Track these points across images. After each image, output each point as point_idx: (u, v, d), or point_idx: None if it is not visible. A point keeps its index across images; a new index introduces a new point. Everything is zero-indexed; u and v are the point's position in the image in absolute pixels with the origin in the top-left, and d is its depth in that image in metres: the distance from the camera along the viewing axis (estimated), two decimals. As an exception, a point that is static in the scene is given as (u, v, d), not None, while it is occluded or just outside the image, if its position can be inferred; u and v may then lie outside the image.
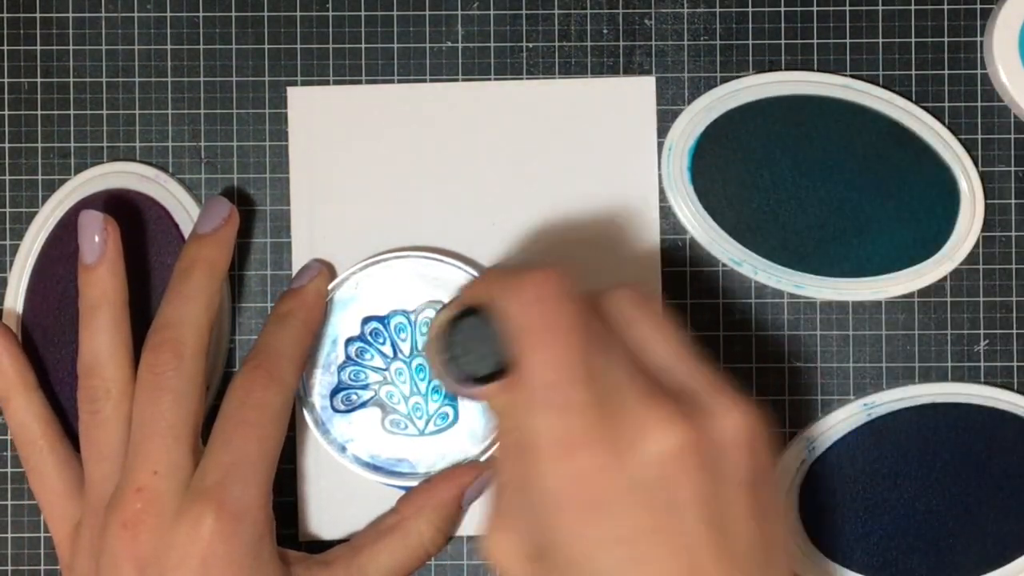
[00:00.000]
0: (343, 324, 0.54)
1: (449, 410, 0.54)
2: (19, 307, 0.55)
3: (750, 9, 0.56)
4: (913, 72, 0.55)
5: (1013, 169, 0.55)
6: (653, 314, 0.46)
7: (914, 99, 0.55)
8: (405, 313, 0.54)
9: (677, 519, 0.42)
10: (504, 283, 0.45)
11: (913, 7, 0.55)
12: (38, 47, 0.56)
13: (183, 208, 0.55)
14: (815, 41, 0.55)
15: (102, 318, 0.51)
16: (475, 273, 0.54)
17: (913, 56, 0.56)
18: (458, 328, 0.45)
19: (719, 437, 0.43)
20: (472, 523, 0.55)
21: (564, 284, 0.44)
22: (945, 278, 0.55)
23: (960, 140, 0.55)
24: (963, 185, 0.55)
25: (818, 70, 0.55)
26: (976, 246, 0.55)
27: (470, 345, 0.45)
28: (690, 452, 0.42)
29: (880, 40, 0.55)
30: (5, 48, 0.56)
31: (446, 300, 0.54)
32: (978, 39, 0.56)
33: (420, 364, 0.54)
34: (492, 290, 0.45)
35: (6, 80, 0.56)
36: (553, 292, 0.44)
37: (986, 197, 0.55)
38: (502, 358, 0.45)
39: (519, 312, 0.44)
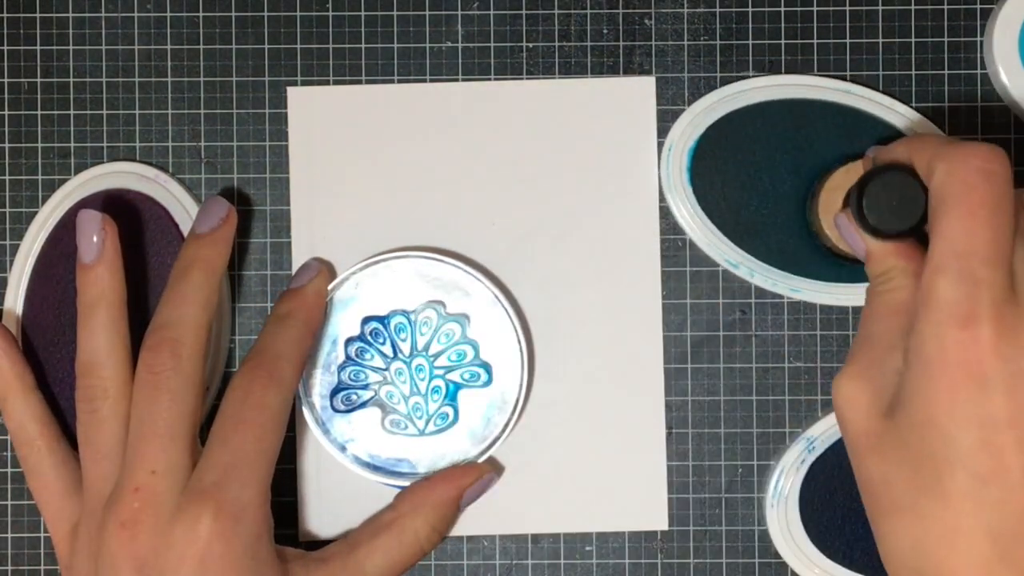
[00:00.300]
0: (343, 324, 0.54)
1: (449, 410, 0.54)
2: (19, 307, 0.55)
3: (750, 9, 0.56)
4: (913, 72, 0.55)
5: (1013, 169, 0.55)
6: None
7: (914, 99, 0.55)
8: (405, 313, 0.54)
9: None
10: (946, 149, 0.44)
11: (913, 7, 0.55)
12: (38, 47, 0.56)
13: (183, 208, 0.55)
14: (815, 41, 0.55)
15: (100, 317, 0.51)
16: (475, 273, 0.54)
17: (913, 56, 0.56)
18: (881, 182, 0.45)
19: None
20: (472, 523, 0.55)
21: (1004, 165, 0.43)
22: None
23: (960, 140, 0.55)
24: (963, 186, 0.55)
25: (818, 70, 0.55)
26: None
27: (888, 200, 0.45)
28: None
29: (880, 40, 0.55)
30: (5, 48, 0.56)
31: (446, 300, 0.54)
32: (978, 39, 0.56)
33: (420, 364, 0.54)
34: (929, 152, 0.44)
35: (6, 80, 0.56)
36: (998, 170, 0.43)
37: (986, 197, 0.55)
38: (910, 220, 0.45)
39: (955, 180, 0.43)
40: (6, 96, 0.56)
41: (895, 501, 0.43)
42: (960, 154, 0.43)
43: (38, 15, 0.56)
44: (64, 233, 0.55)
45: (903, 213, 0.45)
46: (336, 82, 0.56)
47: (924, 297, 0.42)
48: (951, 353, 0.41)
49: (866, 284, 0.55)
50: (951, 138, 0.45)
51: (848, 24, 0.55)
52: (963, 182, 0.43)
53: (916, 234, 0.45)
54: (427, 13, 0.56)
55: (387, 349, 0.54)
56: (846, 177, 0.52)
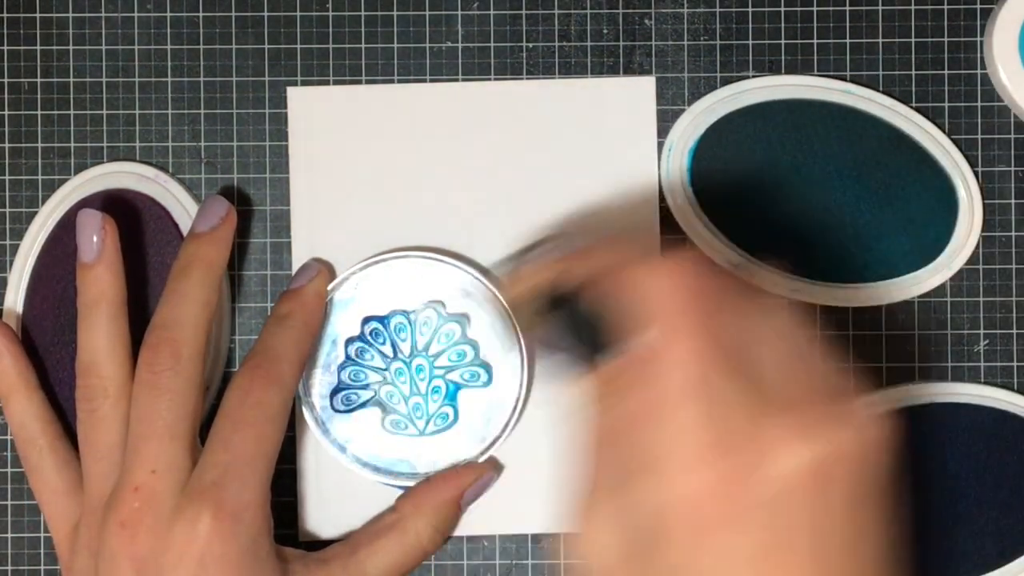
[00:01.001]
0: (343, 324, 0.54)
1: (449, 410, 0.54)
2: (19, 307, 0.55)
3: (750, 9, 0.56)
4: (913, 72, 0.55)
5: (1013, 169, 0.55)
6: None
7: (914, 100, 0.55)
8: (405, 313, 0.54)
9: (790, 541, 0.40)
10: (626, 276, 0.43)
11: (913, 8, 0.55)
12: (38, 47, 0.56)
13: (183, 208, 0.55)
14: (815, 41, 0.55)
15: (100, 317, 0.51)
16: (475, 273, 0.54)
17: (913, 57, 0.55)
18: (559, 315, 0.44)
19: (841, 453, 0.41)
20: (472, 523, 0.55)
21: (704, 275, 0.42)
22: (944, 283, 0.55)
23: (959, 144, 0.55)
24: (962, 193, 0.55)
25: (818, 71, 0.55)
26: (975, 248, 0.55)
27: (570, 331, 0.44)
28: (814, 473, 0.40)
29: (880, 40, 0.55)
30: (5, 48, 0.56)
31: (446, 300, 0.54)
32: (978, 39, 0.56)
33: (420, 364, 0.54)
34: (612, 281, 0.43)
35: (6, 80, 0.56)
36: (695, 283, 0.42)
37: (985, 197, 0.55)
38: (605, 342, 0.43)
39: (658, 296, 0.42)
40: (6, 96, 0.56)
41: None
42: (651, 272, 0.42)
43: (38, 15, 0.56)
44: (64, 233, 0.55)
45: (594, 338, 0.43)
46: (336, 82, 0.56)
47: (648, 445, 0.41)
48: (688, 500, 0.40)
49: (865, 285, 0.55)
50: (641, 263, 0.43)
51: (848, 24, 0.55)
52: (666, 300, 0.42)
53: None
54: (427, 13, 0.56)
55: (387, 349, 0.54)
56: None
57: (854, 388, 0.43)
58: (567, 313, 0.44)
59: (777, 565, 0.40)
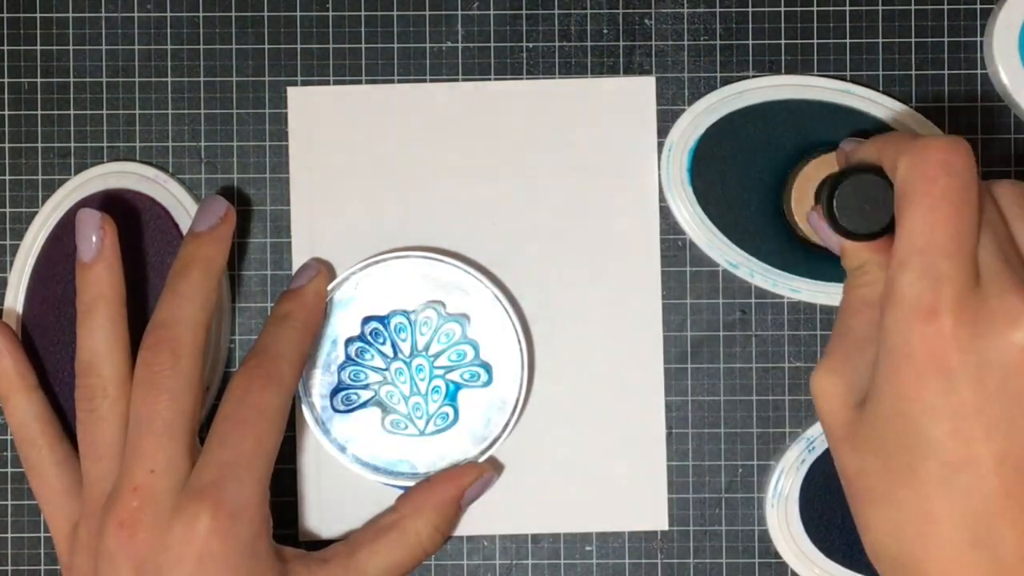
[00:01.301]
0: (343, 324, 0.54)
1: (449, 410, 0.54)
2: (19, 307, 0.55)
3: (750, 9, 0.56)
4: (913, 72, 0.55)
5: (1013, 169, 0.55)
6: None
7: (914, 99, 0.55)
8: (405, 313, 0.54)
9: (1010, 408, 0.41)
10: (906, 144, 0.44)
11: (913, 7, 0.55)
12: (38, 47, 0.56)
13: (183, 208, 0.55)
14: (815, 41, 0.55)
15: (99, 316, 0.51)
16: (475, 273, 0.54)
17: (913, 56, 0.56)
18: (851, 184, 0.45)
19: None
20: (472, 523, 0.55)
21: (966, 158, 0.43)
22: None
23: (960, 141, 0.55)
24: (963, 186, 0.55)
25: (818, 70, 0.55)
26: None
27: (858, 201, 0.45)
28: None
29: (880, 40, 0.55)
30: (5, 48, 0.56)
31: (446, 300, 0.54)
32: (978, 39, 0.56)
33: (420, 364, 0.54)
34: (893, 149, 0.45)
35: (6, 80, 0.56)
36: (959, 162, 0.43)
37: (986, 197, 0.55)
38: (880, 221, 0.45)
39: (916, 174, 0.43)
40: (6, 96, 0.56)
41: (871, 491, 0.43)
42: (920, 148, 0.43)
43: (38, 15, 0.56)
44: (64, 233, 0.55)
45: (874, 215, 0.45)
46: (336, 82, 0.56)
47: (888, 292, 0.43)
48: (916, 347, 0.42)
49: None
50: (918, 134, 0.45)
51: (848, 24, 0.55)
52: (924, 176, 0.43)
53: (890, 231, 0.45)
54: (427, 13, 0.56)
55: (387, 349, 0.54)
56: (818, 169, 0.52)
57: None
58: (852, 188, 0.45)
59: (981, 426, 0.41)
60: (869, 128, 0.54)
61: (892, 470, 0.43)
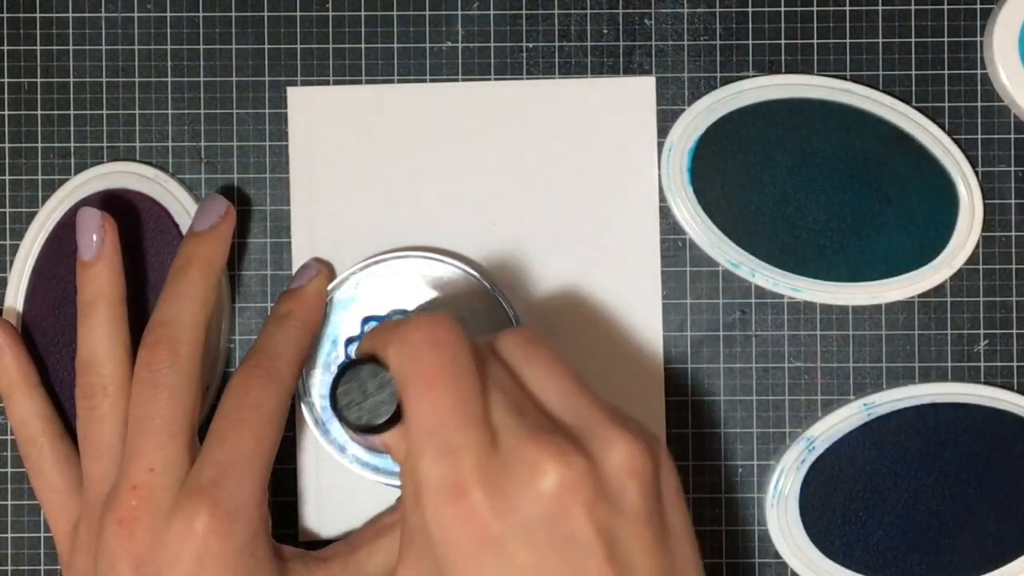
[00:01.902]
0: (343, 324, 0.54)
1: (449, 410, 0.54)
2: (19, 307, 0.55)
3: (750, 9, 0.56)
4: (913, 72, 0.55)
5: (1013, 169, 0.55)
6: (545, 354, 0.45)
7: (914, 99, 0.55)
8: (405, 313, 0.54)
9: (572, 556, 0.41)
10: (390, 331, 0.45)
11: (913, 7, 0.55)
12: (38, 47, 0.56)
13: (183, 208, 0.55)
14: (815, 41, 0.55)
15: (99, 315, 0.51)
16: (475, 273, 0.54)
17: (913, 56, 0.56)
18: (349, 378, 0.45)
19: (610, 469, 0.42)
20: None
21: (450, 329, 0.43)
22: (944, 282, 0.55)
23: (960, 144, 0.55)
24: (962, 192, 0.55)
25: (818, 70, 0.55)
26: (975, 248, 0.55)
27: (363, 395, 0.45)
28: (581, 485, 0.41)
29: (880, 40, 0.55)
30: (5, 48, 0.56)
31: (446, 300, 0.54)
32: (978, 39, 0.56)
33: (420, 364, 0.54)
34: (380, 339, 0.45)
35: (6, 80, 0.56)
36: (442, 335, 0.43)
37: (986, 197, 0.55)
38: (396, 407, 0.44)
39: (404, 358, 0.43)
40: (6, 96, 0.56)
41: None
42: (403, 332, 0.43)
43: (38, 15, 0.56)
44: (64, 233, 0.55)
45: (384, 403, 0.44)
46: (336, 82, 0.56)
47: (414, 483, 0.42)
48: (456, 529, 0.41)
49: (866, 284, 0.55)
50: (402, 320, 0.45)
51: (848, 24, 0.55)
52: (412, 357, 0.43)
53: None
54: (427, 13, 0.56)
55: (387, 349, 0.54)
56: None
57: (624, 416, 0.44)
58: (365, 381, 0.45)
59: None
60: (874, 130, 0.55)
61: None
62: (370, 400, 0.45)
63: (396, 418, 0.44)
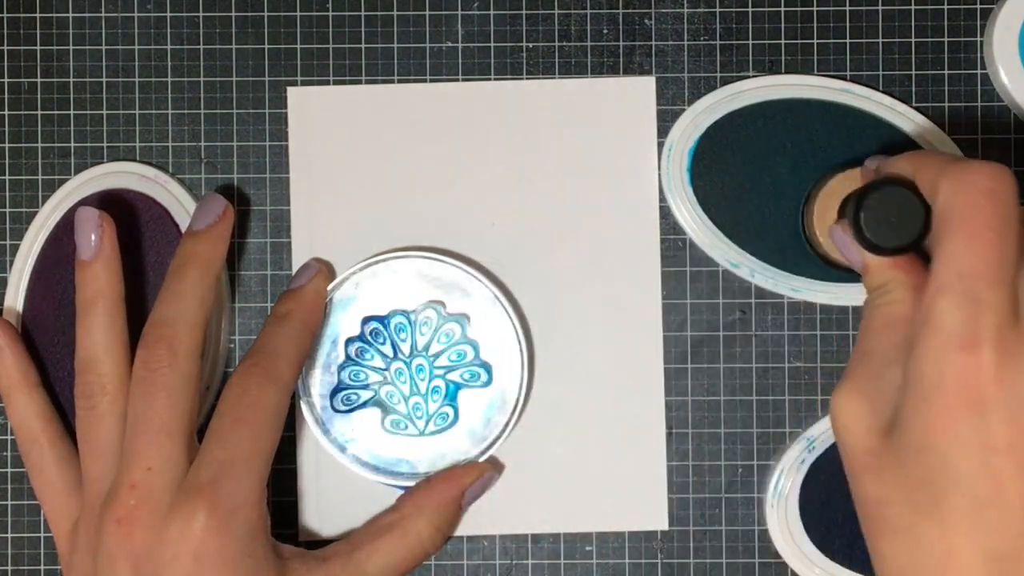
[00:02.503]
0: (343, 324, 0.54)
1: (449, 410, 0.54)
2: (19, 307, 0.55)
3: (750, 9, 0.56)
4: (913, 72, 0.55)
5: (1013, 169, 0.55)
6: None
7: (914, 99, 0.55)
8: (405, 313, 0.54)
9: None
10: (945, 165, 0.43)
11: (913, 7, 0.55)
12: (38, 47, 0.56)
13: (183, 208, 0.55)
14: (815, 41, 0.55)
15: (98, 314, 0.51)
16: (475, 273, 0.54)
17: (913, 56, 0.56)
18: (873, 196, 0.45)
19: None
20: (472, 523, 0.55)
21: (1011, 185, 0.42)
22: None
23: (960, 144, 0.55)
24: (963, 186, 0.55)
25: (818, 71, 0.55)
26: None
27: (881, 214, 0.45)
28: None
29: (880, 40, 0.55)
30: (5, 48, 0.56)
31: (446, 300, 0.54)
32: (978, 39, 0.56)
33: (420, 364, 0.54)
34: (933, 169, 0.44)
35: (6, 80, 0.56)
36: (1004, 191, 0.42)
37: (986, 197, 0.55)
38: (909, 236, 0.44)
39: (960, 198, 0.42)
40: (6, 96, 0.56)
41: (891, 522, 0.42)
42: (966, 173, 0.42)
43: (38, 15, 0.56)
44: (65, 233, 0.55)
45: (902, 229, 0.44)
46: (336, 82, 0.56)
47: (925, 318, 0.41)
48: (951, 378, 0.41)
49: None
50: (955, 156, 0.44)
51: (848, 24, 0.55)
52: (968, 202, 0.42)
53: (914, 249, 0.45)
54: (427, 13, 0.56)
55: (387, 349, 0.54)
56: (842, 184, 0.52)
57: None
58: (882, 201, 0.45)
59: (1016, 463, 0.40)
60: (874, 130, 0.54)
61: (916, 502, 0.42)
62: (893, 221, 0.44)
63: (910, 247, 0.44)
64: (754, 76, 0.55)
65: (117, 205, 0.55)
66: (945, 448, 0.41)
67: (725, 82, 0.55)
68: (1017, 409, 0.40)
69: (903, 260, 0.45)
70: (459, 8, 0.56)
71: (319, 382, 0.54)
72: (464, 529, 0.55)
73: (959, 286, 0.41)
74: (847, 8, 0.55)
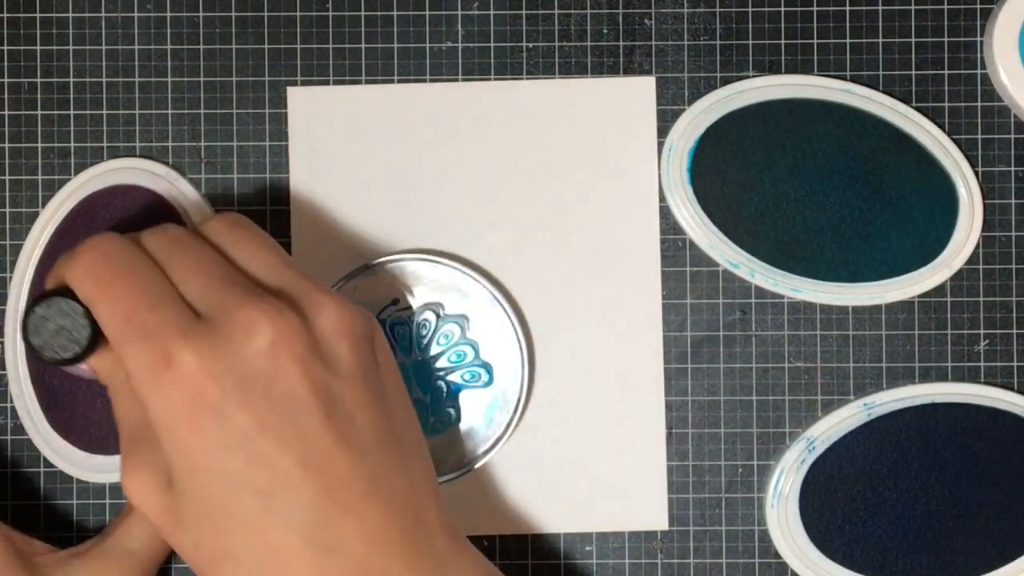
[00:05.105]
0: (343, 324, 0.54)
1: (450, 410, 0.54)
2: (21, 307, 0.55)
3: (750, 9, 0.56)
4: (913, 72, 0.55)
5: (1013, 169, 0.55)
6: (252, 234, 0.47)
7: (914, 99, 0.55)
8: (404, 315, 0.54)
9: (291, 414, 0.42)
10: (62, 262, 0.46)
11: (913, 7, 0.55)
12: (38, 47, 0.56)
13: (186, 198, 0.55)
14: (815, 41, 0.55)
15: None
16: (473, 274, 0.54)
17: (913, 56, 0.55)
18: (39, 315, 0.45)
19: (321, 330, 0.44)
20: (472, 523, 0.55)
21: (112, 239, 0.45)
22: (944, 282, 0.55)
23: (960, 143, 0.55)
24: (962, 193, 0.55)
25: (818, 71, 0.55)
26: (975, 248, 0.55)
27: (57, 329, 0.45)
28: (294, 341, 0.43)
29: (880, 40, 0.55)
30: (5, 48, 0.56)
31: (445, 301, 0.54)
32: (978, 39, 0.56)
33: (420, 365, 0.54)
34: (55, 273, 0.46)
35: (6, 80, 0.56)
36: (104, 248, 0.44)
37: (986, 197, 0.55)
38: (84, 340, 0.45)
39: (79, 273, 0.44)
40: (6, 96, 0.56)
41: (216, 556, 0.43)
42: (71, 257, 0.45)
43: (38, 15, 0.56)
44: (67, 232, 0.55)
45: (76, 333, 0.45)
46: (336, 82, 0.56)
47: (128, 374, 0.43)
48: (173, 399, 0.42)
49: (866, 284, 0.55)
50: (72, 249, 0.46)
51: (848, 24, 0.55)
52: (86, 271, 0.44)
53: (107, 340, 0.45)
54: (427, 13, 0.56)
55: (387, 349, 0.54)
56: None
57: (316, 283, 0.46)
58: (56, 315, 0.45)
59: (267, 441, 0.42)
60: (874, 130, 0.55)
61: (219, 524, 0.43)
62: (65, 330, 0.45)
63: (95, 343, 0.45)
64: (754, 76, 0.55)
65: (124, 201, 0.55)
66: (208, 460, 0.42)
67: (725, 82, 0.55)
68: (246, 391, 0.42)
69: (105, 351, 0.46)
70: (459, 8, 0.56)
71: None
72: (464, 529, 0.55)
73: (127, 330, 0.43)
74: (847, 8, 0.55)
